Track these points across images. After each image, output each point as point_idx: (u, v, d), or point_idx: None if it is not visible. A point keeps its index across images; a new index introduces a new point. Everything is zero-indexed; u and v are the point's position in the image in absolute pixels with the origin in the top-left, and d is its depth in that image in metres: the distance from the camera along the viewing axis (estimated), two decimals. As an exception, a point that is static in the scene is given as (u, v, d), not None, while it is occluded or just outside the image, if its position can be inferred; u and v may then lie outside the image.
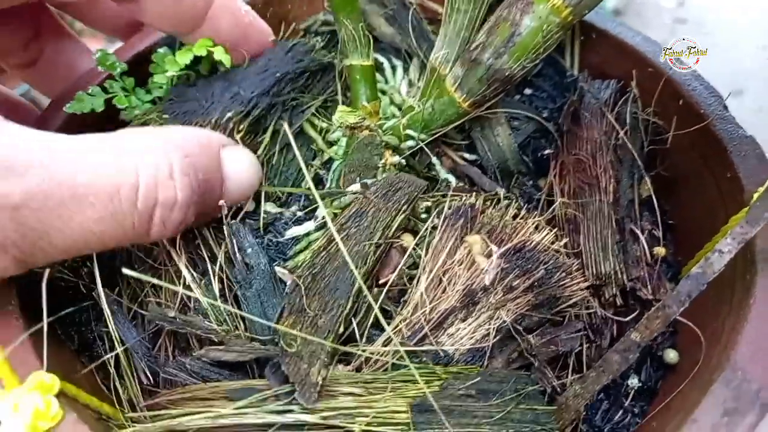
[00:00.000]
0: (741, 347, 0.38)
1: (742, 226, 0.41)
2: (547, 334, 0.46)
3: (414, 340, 0.45)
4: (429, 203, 0.56)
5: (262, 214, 0.54)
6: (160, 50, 0.59)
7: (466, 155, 0.62)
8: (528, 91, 0.65)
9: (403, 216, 0.50)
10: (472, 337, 0.45)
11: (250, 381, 0.42)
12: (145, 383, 0.43)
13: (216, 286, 0.47)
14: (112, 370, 0.43)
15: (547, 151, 0.57)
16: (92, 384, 0.43)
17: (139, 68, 0.59)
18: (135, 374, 0.43)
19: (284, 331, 0.41)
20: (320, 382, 0.40)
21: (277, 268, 0.49)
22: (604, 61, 0.64)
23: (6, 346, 0.35)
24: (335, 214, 0.52)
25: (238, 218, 0.51)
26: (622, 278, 0.46)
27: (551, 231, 0.48)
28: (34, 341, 0.39)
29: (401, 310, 0.47)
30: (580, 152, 0.53)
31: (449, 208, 0.50)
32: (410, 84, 0.66)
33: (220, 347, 0.44)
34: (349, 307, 0.45)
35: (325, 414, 0.38)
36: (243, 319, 0.47)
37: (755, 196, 0.43)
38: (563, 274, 0.45)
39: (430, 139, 0.59)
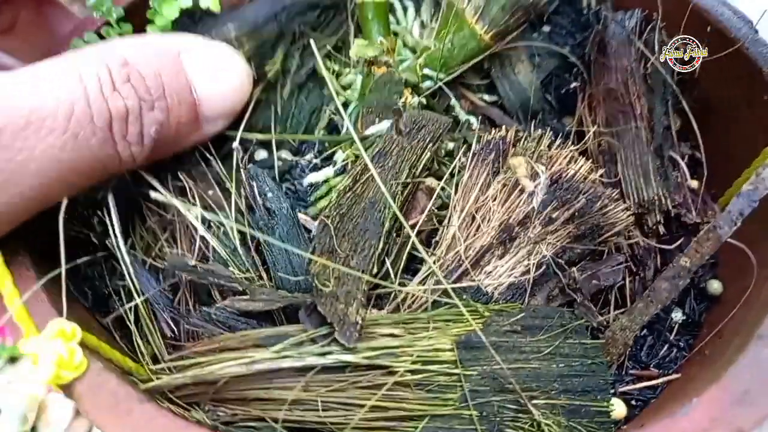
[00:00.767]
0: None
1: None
2: (589, 268, 0.44)
3: (451, 279, 0.42)
4: (452, 145, 0.53)
5: (276, 162, 0.51)
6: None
7: (486, 96, 0.59)
8: (546, 28, 0.62)
9: (429, 154, 0.48)
10: (511, 274, 0.43)
11: (282, 327, 0.39)
12: (168, 336, 0.40)
13: (236, 235, 0.44)
14: (131, 324, 0.40)
15: (573, 85, 0.54)
16: (110, 341, 0.40)
17: (137, 13, 0.55)
18: (157, 327, 0.40)
19: (319, 267, 0.38)
20: (359, 322, 0.37)
21: (300, 215, 0.46)
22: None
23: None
24: (356, 157, 0.50)
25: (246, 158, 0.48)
26: (666, 203, 0.43)
27: (588, 162, 0.45)
28: (48, 292, 0.36)
29: (434, 250, 0.45)
30: (611, 82, 0.50)
31: (478, 143, 0.47)
32: (423, 25, 0.63)
33: (246, 297, 0.42)
34: (381, 247, 0.42)
35: (367, 354, 0.36)
36: (267, 268, 0.44)
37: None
38: (605, 202, 0.42)
39: (449, 78, 0.56)
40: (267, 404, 0.36)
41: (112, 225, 0.38)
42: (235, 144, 0.46)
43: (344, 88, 0.57)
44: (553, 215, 0.43)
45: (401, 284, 0.44)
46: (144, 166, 0.42)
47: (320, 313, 0.37)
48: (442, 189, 0.48)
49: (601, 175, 0.46)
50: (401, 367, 0.36)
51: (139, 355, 0.39)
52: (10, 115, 0.33)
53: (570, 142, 0.51)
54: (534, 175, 0.42)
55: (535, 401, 0.36)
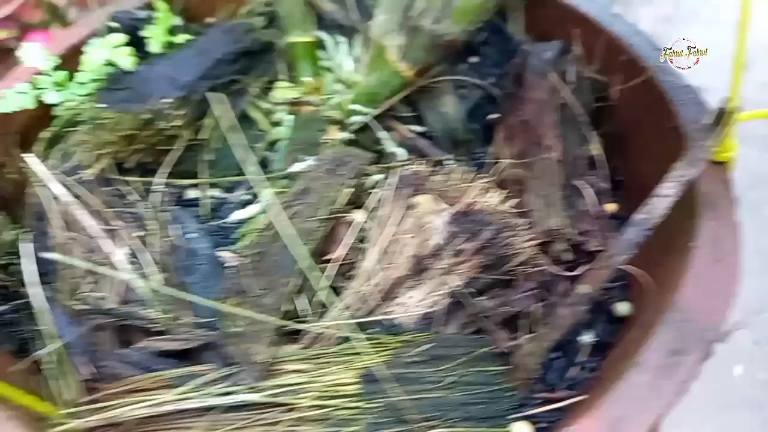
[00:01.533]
0: (685, 289, 0.38)
1: (681, 168, 0.41)
2: (499, 295, 0.46)
3: (365, 311, 0.44)
4: (377, 177, 0.55)
5: (207, 200, 0.53)
6: (94, 41, 0.57)
7: (415, 127, 0.61)
8: (474, 59, 0.64)
9: (349, 190, 0.49)
10: (422, 305, 0.44)
11: (194, 367, 0.41)
12: (85, 380, 0.41)
13: (158, 275, 0.46)
14: (44, 369, 0.41)
15: (493, 116, 0.56)
16: (29, 385, 0.41)
17: (73, 61, 0.57)
18: (75, 370, 0.41)
19: (226, 311, 0.39)
20: (266, 361, 0.39)
21: (223, 252, 0.48)
22: (548, 24, 0.64)
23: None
24: (284, 193, 0.51)
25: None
26: (569, 232, 0.45)
27: (499, 193, 0.47)
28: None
29: (351, 283, 0.46)
30: (525, 113, 0.52)
31: (395, 177, 0.49)
32: (356, 60, 0.65)
33: (164, 336, 0.43)
34: (293, 284, 0.43)
35: (270, 392, 0.37)
36: (188, 306, 0.46)
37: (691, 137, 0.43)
38: (510, 233, 0.44)
39: (378, 113, 0.58)
40: (176, 444, 0.38)
41: (25, 273, 0.39)
42: (160, 187, 0.48)
43: (276, 125, 0.59)
44: (462, 247, 0.45)
45: (321, 315, 0.46)
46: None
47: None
48: (365, 222, 0.50)
49: (513, 206, 0.48)
50: (303, 404, 0.37)
51: (56, 398, 0.41)
52: None
53: (488, 173, 0.53)
54: (439, 212, 0.44)
55: (434, 430, 0.38)
